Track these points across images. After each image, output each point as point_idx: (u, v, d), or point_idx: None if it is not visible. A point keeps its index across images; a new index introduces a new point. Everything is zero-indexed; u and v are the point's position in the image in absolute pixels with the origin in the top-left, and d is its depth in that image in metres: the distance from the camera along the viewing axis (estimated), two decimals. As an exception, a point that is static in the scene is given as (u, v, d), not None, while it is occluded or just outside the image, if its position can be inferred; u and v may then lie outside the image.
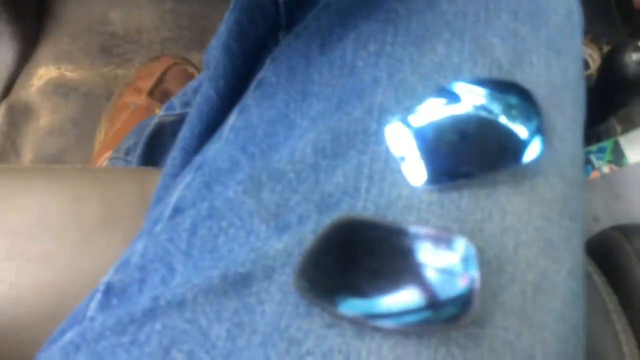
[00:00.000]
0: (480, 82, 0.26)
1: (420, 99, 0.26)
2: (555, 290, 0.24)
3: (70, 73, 1.00)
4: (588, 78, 0.58)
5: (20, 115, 0.92)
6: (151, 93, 0.79)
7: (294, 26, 0.33)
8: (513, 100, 0.25)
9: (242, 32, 0.34)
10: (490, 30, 0.27)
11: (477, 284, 0.21)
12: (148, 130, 0.61)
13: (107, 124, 0.80)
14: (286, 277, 0.23)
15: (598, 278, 0.33)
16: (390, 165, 0.25)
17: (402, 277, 0.22)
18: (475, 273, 0.21)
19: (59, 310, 0.37)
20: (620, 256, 0.35)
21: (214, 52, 0.37)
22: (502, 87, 0.26)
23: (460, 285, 0.21)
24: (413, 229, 0.23)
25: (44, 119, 0.93)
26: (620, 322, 0.32)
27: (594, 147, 0.49)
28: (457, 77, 0.26)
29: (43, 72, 0.99)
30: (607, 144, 0.48)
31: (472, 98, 0.26)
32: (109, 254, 0.35)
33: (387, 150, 0.25)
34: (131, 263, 0.26)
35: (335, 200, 0.25)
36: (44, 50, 1.00)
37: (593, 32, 0.64)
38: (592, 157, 0.48)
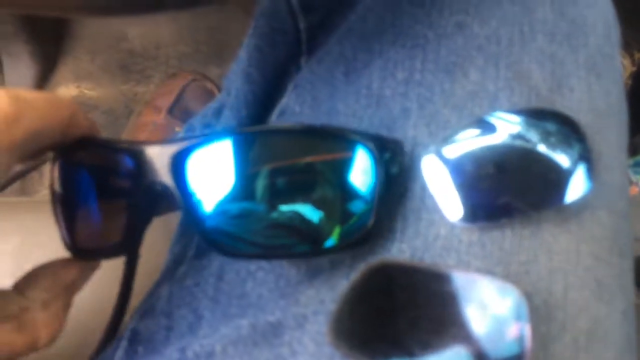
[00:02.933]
0: (519, 112, 0.24)
1: (455, 131, 0.24)
2: (609, 337, 0.22)
3: (90, 91, 1.00)
4: (620, 86, 0.56)
5: (41, 136, 0.92)
6: (170, 111, 0.79)
7: (316, 51, 0.32)
8: (555, 130, 0.24)
9: (263, 59, 0.33)
10: (526, 54, 0.25)
11: (529, 335, 0.20)
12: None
13: (127, 144, 0.80)
14: (319, 326, 0.22)
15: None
16: (425, 203, 0.23)
17: (444, 328, 0.20)
18: (526, 324, 0.20)
19: (82, 346, 0.36)
20: (667, 282, 0.33)
21: (233, 78, 0.36)
22: (542, 116, 0.24)
23: (509, 337, 0.20)
24: (455, 273, 0.21)
25: (65, 139, 0.94)
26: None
27: (630, 161, 0.47)
28: (494, 106, 0.24)
29: (63, 91, 1.00)
30: (645, 157, 0.46)
31: (511, 129, 0.24)
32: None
33: (422, 188, 0.24)
34: (157, 309, 0.25)
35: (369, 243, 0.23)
36: (64, 69, 1.01)
37: (623, 38, 0.61)
38: (629, 172, 0.46)
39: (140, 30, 1.04)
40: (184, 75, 0.84)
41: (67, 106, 0.20)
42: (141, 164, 0.21)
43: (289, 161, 0.22)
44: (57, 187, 0.24)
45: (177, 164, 0.21)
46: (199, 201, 0.22)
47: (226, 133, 0.21)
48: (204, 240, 0.21)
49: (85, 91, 1.00)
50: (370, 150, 0.21)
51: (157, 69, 1.00)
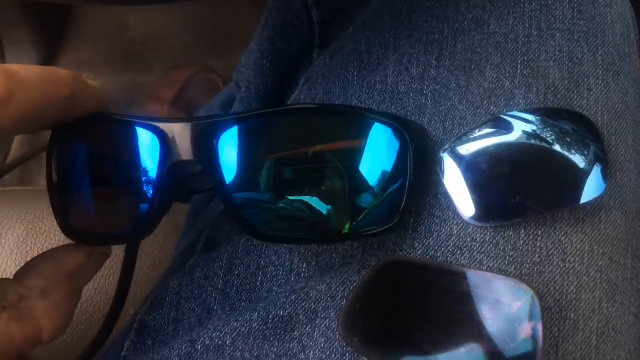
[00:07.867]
0: (535, 111, 0.24)
1: (470, 129, 0.24)
2: (621, 338, 0.22)
3: (91, 81, 0.99)
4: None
5: (43, 125, 0.92)
6: (174, 103, 0.78)
7: (329, 45, 0.32)
8: (571, 130, 0.24)
9: (276, 51, 0.32)
10: (544, 52, 0.25)
11: (541, 335, 0.19)
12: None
13: (129, 134, 0.79)
14: (330, 322, 0.22)
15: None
16: (439, 200, 0.23)
17: (456, 326, 0.20)
18: (538, 324, 0.19)
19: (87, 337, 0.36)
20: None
21: (245, 71, 0.36)
22: (558, 116, 0.24)
23: (522, 336, 0.20)
24: (467, 272, 0.21)
25: (67, 128, 0.93)
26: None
27: None
28: (510, 104, 0.24)
29: (64, 80, 0.98)
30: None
31: (527, 128, 0.24)
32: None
33: (435, 185, 0.23)
34: (166, 301, 0.25)
35: (380, 239, 0.23)
36: (65, 58, 1.00)
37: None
38: None
39: (142, 20, 1.03)
40: (188, 67, 0.84)
41: (65, 83, 0.18)
42: (162, 142, 0.20)
43: (319, 146, 0.20)
44: (57, 169, 0.22)
45: (205, 143, 0.19)
46: (228, 182, 0.20)
47: (254, 112, 0.20)
48: (235, 222, 0.20)
49: (87, 81, 0.99)
50: (403, 135, 0.21)
51: (160, 60, 0.99)
